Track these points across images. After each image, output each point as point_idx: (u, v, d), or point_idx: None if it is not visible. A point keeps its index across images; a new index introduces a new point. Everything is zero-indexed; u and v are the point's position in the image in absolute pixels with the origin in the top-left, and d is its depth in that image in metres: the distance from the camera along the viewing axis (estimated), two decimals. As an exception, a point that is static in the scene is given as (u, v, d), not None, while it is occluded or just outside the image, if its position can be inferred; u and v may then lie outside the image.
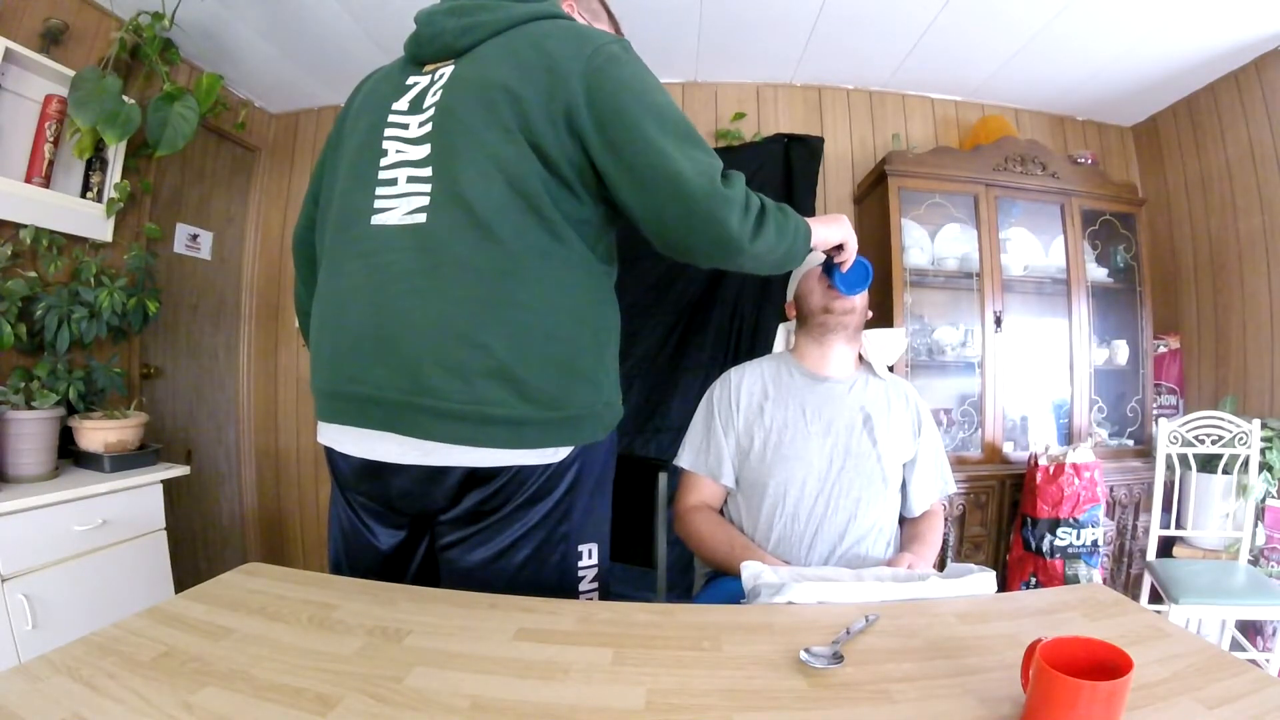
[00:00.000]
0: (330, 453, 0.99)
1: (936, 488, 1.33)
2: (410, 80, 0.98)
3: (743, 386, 1.31)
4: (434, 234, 0.86)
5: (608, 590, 1.03)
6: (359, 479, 0.96)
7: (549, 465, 0.91)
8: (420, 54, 0.99)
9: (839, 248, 1.13)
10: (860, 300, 1.28)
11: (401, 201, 0.89)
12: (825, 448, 1.23)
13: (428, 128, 0.91)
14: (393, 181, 0.91)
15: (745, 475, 1.27)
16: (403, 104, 0.96)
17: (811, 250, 1.03)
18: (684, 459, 1.33)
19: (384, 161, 0.92)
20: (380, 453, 0.90)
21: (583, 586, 0.99)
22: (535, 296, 0.87)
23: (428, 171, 0.89)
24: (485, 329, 0.84)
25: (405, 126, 0.93)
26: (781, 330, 1.47)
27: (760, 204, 0.91)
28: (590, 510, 0.99)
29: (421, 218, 0.87)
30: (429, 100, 0.93)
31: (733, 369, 1.37)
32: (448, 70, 0.95)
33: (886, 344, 1.36)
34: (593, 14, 1.17)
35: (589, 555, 1.00)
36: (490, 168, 0.86)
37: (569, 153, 0.87)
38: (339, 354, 0.91)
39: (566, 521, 0.95)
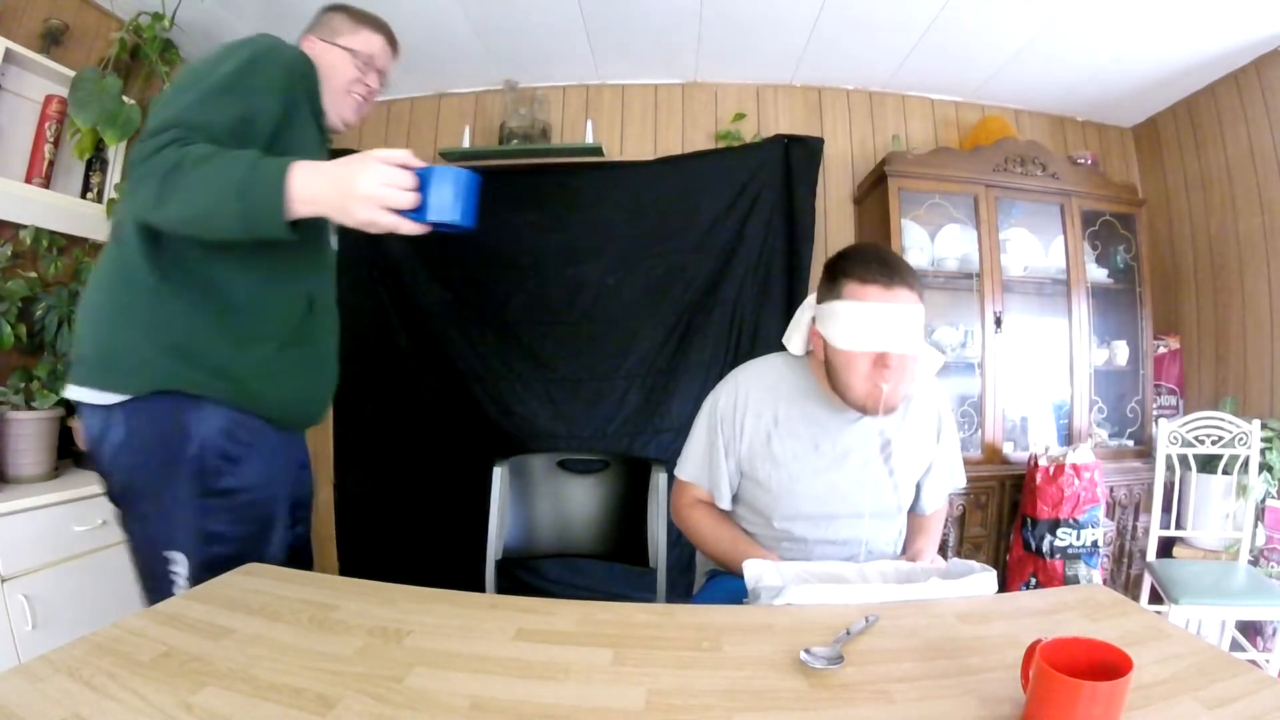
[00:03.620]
0: None
1: (947, 488, 1.29)
2: None
3: (749, 409, 1.18)
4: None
5: None
6: None
7: (95, 407, 1.03)
8: None
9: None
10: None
11: None
12: (837, 482, 1.15)
13: None
14: None
15: (747, 499, 1.22)
16: None
17: (285, 208, 0.89)
18: (686, 471, 1.26)
19: None
20: None
21: (176, 592, 1.00)
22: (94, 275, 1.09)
23: None
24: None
25: None
26: (805, 311, 1.18)
27: (172, 164, 0.89)
28: (168, 510, 1.03)
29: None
30: None
31: (740, 375, 1.25)
32: None
33: (922, 364, 1.15)
34: (333, 31, 1.23)
35: (180, 563, 1.03)
36: None
37: None
38: None
39: (147, 518, 1.05)
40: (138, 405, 1.02)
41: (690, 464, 1.26)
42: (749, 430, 1.18)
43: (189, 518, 1.04)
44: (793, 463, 1.15)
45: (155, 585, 1.05)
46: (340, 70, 1.21)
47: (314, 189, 0.89)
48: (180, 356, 1.03)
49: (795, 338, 1.21)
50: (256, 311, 1.08)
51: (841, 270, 1.07)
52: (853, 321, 1.04)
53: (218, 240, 0.97)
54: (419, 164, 0.91)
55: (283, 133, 1.06)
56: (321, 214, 0.91)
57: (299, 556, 1.27)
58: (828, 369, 1.11)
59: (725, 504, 1.23)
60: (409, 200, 0.89)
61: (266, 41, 1.09)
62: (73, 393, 1.05)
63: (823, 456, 1.15)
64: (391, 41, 1.29)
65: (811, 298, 1.18)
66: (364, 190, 0.88)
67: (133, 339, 1.02)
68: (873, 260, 1.05)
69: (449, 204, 0.92)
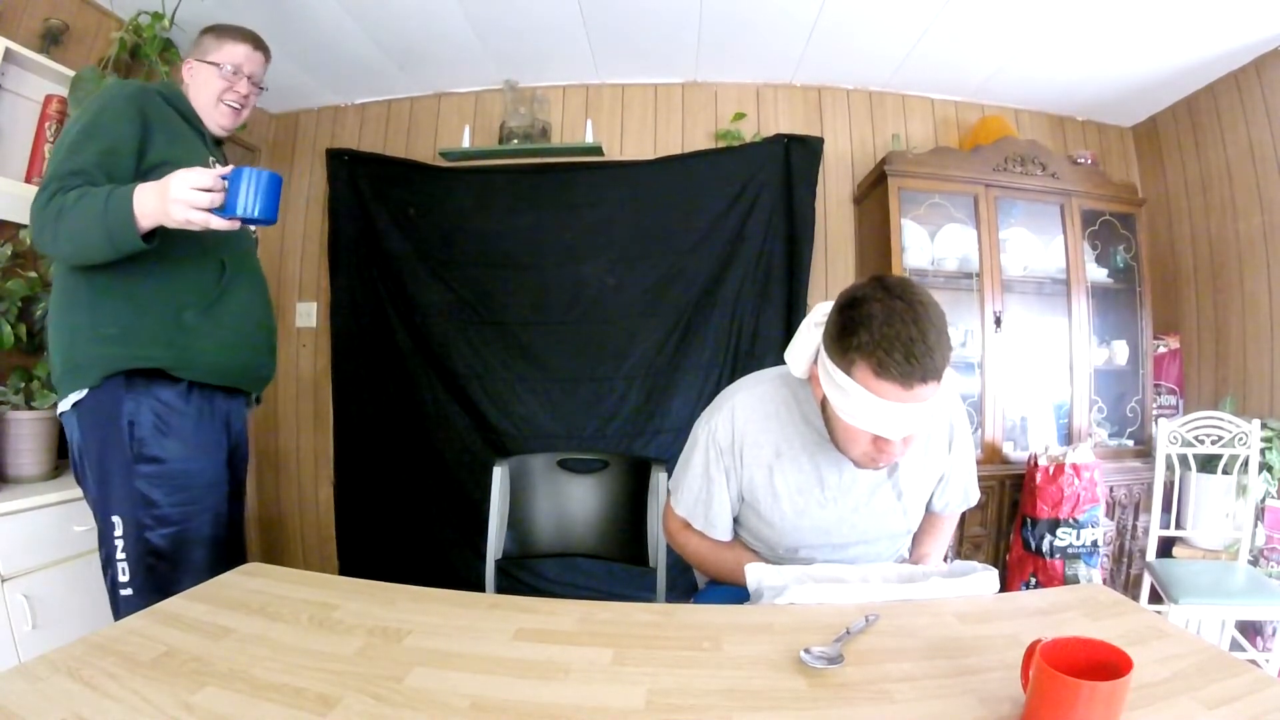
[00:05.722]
0: None
1: (959, 500, 1.21)
2: None
3: (746, 439, 1.10)
4: None
5: (164, 578, 1.20)
6: None
7: (68, 413, 1.23)
8: None
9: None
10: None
11: None
12: (843, 513, 1.10)
13: None
14: None
15: (750, 527, 1.17)
16: None
17: (128, 229, 1.09)
18: (680, 504, 1.18)
19: None
20: None
21: (118, 555, 1.21)
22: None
23: None
24: None
25: None
26: (810, 331, 1.02)
27: (56, 211, 1.10)
28: (107, 476, 1.21)
29: None
30: None
31: (736, 399, 1.13)
32: None
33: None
34: (203, 50, 1.40)
35: (119, 527, 1.21)
36: None
37: None
38: None
39: (92, 489, 1.23)
40: (89, 396, 1.22)
41: (685, 496, 1.17)
42: (749, 461, 1.11)
43: (125, 482, 1.21)
44: (797, 497, 1.09)
45: (106, 554, 1.23)
46: (210, 83, 1.39)
47: (148, 204, 1.08)
48: (120, 341, 1.21)
49: (798, 361, 1.04)
50: (177, 283, 1.26)
51: (857, 344, 0.88)
52: (858, 406, 0.89)
53: (106, 261, 1.15)
54: (223, 171, 1.08)
55: (151, 149, 1.24)
56: (157, 222, 1.09)
57: (235, 533, 1.42)
58: (825, 416, 1.01)
59: (724, 538, 1.17)
60: (209, 200, 1.06)
61: (110, 89, 1.29)
62: (60, 409, 1.26)
63: (828, 489, 1.09)
64: (257, 47, 1.46)
65: (818, 313, 1.01)
66: (173, 195, 1.06)
67: (81, 342, 1.22)
68: (896, 348, 0.84)
69: (249, 200, 1.07)
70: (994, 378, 2.46)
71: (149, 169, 1.23)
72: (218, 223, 1.08)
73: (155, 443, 1.23)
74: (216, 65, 1.39)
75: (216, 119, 1.41)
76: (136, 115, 1.23)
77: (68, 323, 1.24)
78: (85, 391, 1.21)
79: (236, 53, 1.41)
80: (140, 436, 1.22)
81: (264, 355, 1.48)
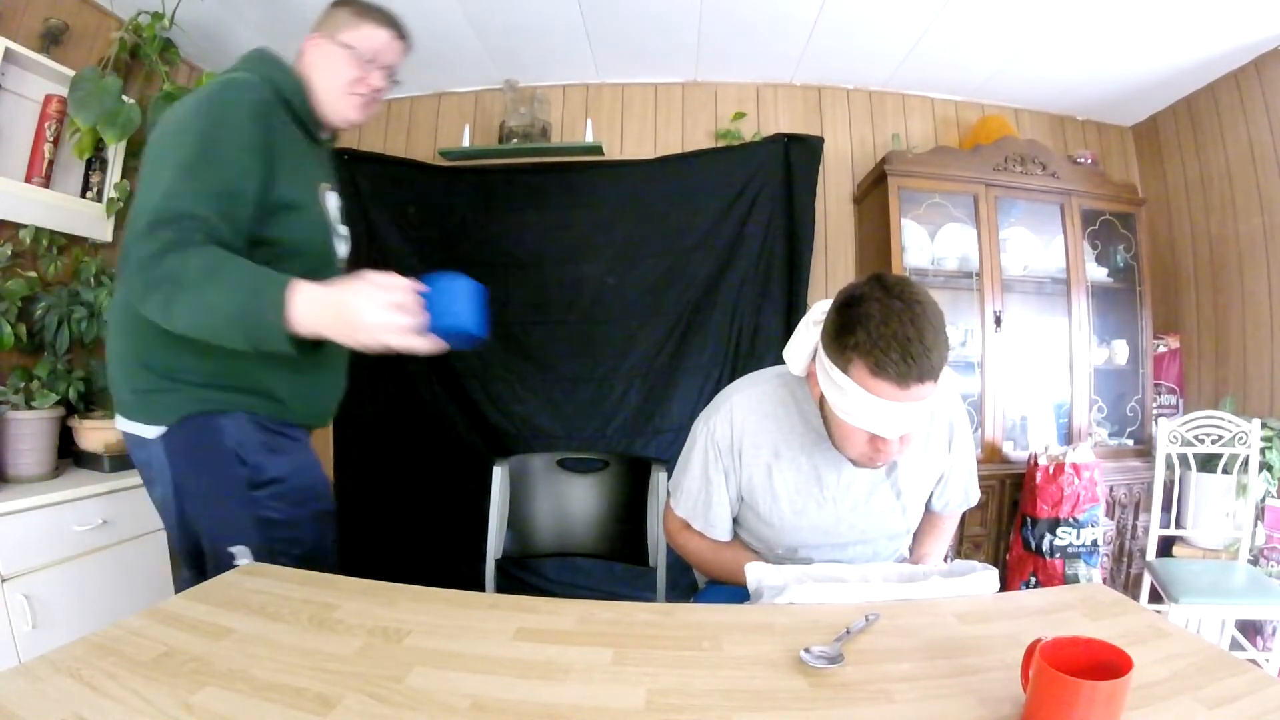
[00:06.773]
0: None
1: (959, 500, 1.20)
2: None
3: (745, 439, 1.10)
4: None
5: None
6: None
7: (141, 439, 1.10)
8: None
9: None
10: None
11: None
12: (842, 513, 1.10)
13: None
14: None
15: (749, 526, 1.17)
16: None
17: (278, 325, 0.90)
18: (679, 504, 1.17)
19: None
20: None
21: None
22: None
23: None
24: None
25: None
26: (808, 329, 1.02)
27: (174, 280, 0.90)
28: (218, 508, 1.09)
29: None
30: None
31: (734, 399, 1.13)
32: None
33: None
34: (335, 27, 1.17)
35: (244, 558, 1.07)
36: None
37: None
38: None
39: (199, 522, 1.11)
40: (175, 429, 1.07)
41: (684, 497, 1.17)
42: (748, 461, 1.11)
43: (243, 513, 1.09)
44: (795, 496, 1.09)
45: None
46: (340, 70, 1.15)
47: (317, 319, 0.90)
48: (199, 387, 1.07)
49: (797, 359, 1.04)
50: None
51: (854, 343, 0.88)
52: (855, 404, 0.90)
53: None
54: (419, 287, 0.92)
55: (274, 190, 1.05)
56: (321, 336, 0.92)
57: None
58: (822, 414, 1.01)
59: (724, 538, 1.17)
60: (415, 323, 0.90)
61: (229, 95, 1.04)
62: (120, 424, 1.13)
63: (826, 488, 1.09)
64: (399, 35, 1.23)
65: (816, 311, 1.01)
66: (371, 320, 0.89)
67: (153, 380, 1.07)
68: (893, 348, 0.85)
69: (460, 314, 0.92)
70: (994, 377, 2.46)
71: (264, 213, 1.05)
72: (422, 344, 0.92)
73: (269, 464, 1.11)
74: (350, 49, 1.16)
75: (342, 111, 1.18)
76: (262, 147, 1.02)
77: (137, 355, 1.08)
78: (165, 428, 1.08)
79: (377, 38, 1.18)
80: (254, 462, 1.09)
81: (333, 407, 1.38)
